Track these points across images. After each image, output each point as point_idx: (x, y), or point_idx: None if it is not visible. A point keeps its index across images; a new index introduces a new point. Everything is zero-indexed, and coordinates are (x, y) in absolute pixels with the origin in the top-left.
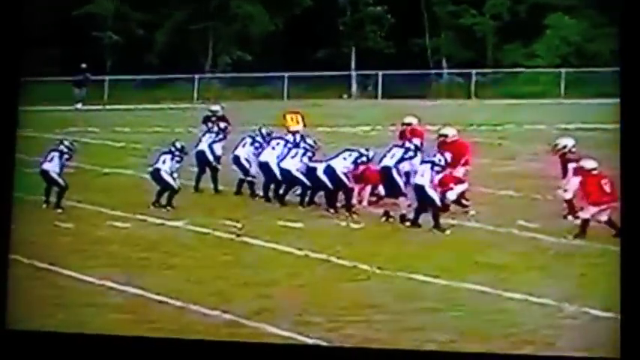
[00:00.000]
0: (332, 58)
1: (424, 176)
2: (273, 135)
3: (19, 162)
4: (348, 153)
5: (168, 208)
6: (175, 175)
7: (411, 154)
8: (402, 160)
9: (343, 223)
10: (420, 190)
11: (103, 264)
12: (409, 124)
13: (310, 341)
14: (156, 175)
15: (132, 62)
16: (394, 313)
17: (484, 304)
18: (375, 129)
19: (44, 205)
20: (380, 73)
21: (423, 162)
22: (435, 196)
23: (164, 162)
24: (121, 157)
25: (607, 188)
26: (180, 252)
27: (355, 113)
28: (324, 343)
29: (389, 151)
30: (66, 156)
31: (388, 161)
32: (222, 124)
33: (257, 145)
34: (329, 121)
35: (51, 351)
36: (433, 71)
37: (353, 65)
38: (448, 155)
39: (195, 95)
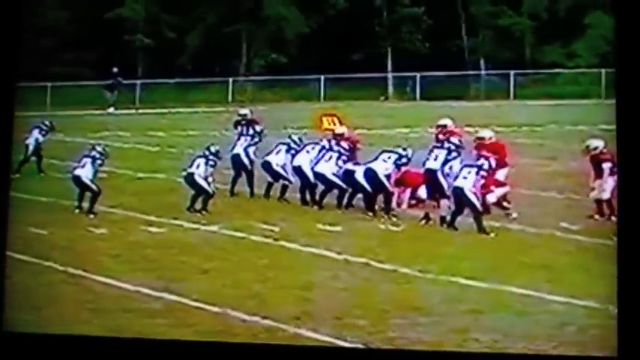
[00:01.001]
0: (368, 59)
1: (467, 179)
2: (306, 140)
3: (52, 167)
4: (387, 155)
5: (203, 212)
6: (210, 179)
7: (454, 154)
8: (446, 161)
9: (382, 226)
10: (459, 192)
11: (138, 269)
12: (444, 126)
13: (351, 345)
14: (190, 179)
15: (164, 65)
16: (436, 315)
17: (528, 305)
18: (413, 130)
19: (76, 211)
20: (417, 74)
21: (466, 165)
22: (474, 199)
23: (198, 166)
24: (155, 160)
25: None
26: (216, 256)
27: (393, 115)
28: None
29: (430, 153)
30: (98, 161)
31: (432, 164)
32: (257, 127)
33: (293, 152)
34: (366, 123)
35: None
36: (471, 72)
37: (390, 67)
38: (493, 160)
39: (230, 98)
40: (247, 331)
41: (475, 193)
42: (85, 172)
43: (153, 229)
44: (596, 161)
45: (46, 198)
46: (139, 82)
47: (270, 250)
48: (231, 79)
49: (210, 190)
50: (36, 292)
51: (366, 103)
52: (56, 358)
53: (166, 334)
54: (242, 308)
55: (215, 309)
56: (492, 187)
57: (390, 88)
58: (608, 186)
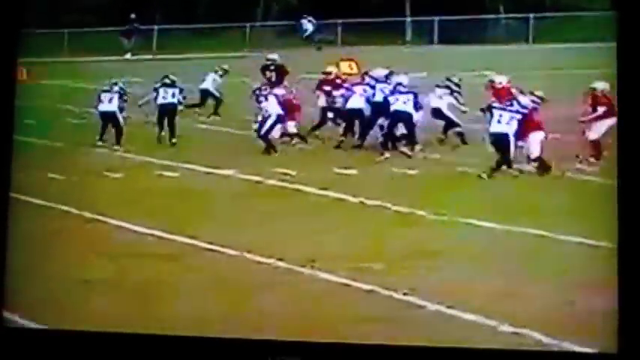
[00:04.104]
0: (386, 3)
1: (510, 125)
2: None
3: (69, 113)
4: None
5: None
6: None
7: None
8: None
9: (397, 170)
10: (505, 139)
11: (152, 213)
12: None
13: (367, 287)
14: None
15: (181, 11)
16: (451, 258)
17: (538, 248)
18: (430, 75)
19: (99, 143)
20: (436, 18)
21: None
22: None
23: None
24: None
25: None
26: (231, 201)
27: (411, 59)
28: (382, 290)
29: (492, 116)
30: (125, 97)
31: (504, 127)
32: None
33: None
34: (383, 68)
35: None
36: (490, 16)
37: (408, 11)
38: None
39: (248, 44)
40: (263, 274)
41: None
42: (114, 107)
43: (167, 174)
44: (595, 103)
45: (60, 143)
46: (156, 27)
47: (285, 195)
48: (248, 25)
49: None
50: (51, 237)
51: (384, 48)
52: (56, 354)
53: (180, 278)
54: (257, 251)
55: (230, 251)
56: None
57: (408, 33)
58: (595, 127)
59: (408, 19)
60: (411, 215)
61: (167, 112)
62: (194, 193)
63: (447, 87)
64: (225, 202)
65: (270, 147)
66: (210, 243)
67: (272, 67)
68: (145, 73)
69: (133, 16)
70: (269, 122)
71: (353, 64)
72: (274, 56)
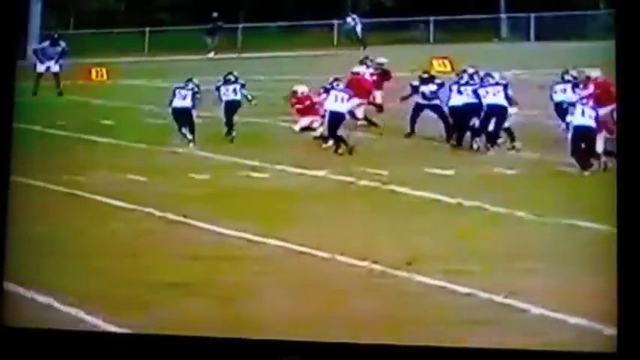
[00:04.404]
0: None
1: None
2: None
3: (150, 113)
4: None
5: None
6: None
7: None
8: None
9: (496, 169)
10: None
11: (240, 215)
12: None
13: (464, 290)
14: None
15: (266, 9)
16: (549, 261)
17: None
18: (526, 72)
19: (176, 141)
20: (532, 15)
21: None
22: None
23: None
24: (258, 106)
25: None
26: (322, 202)
27: (506, 57)
28: (480, 293)
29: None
30: (198, 95)
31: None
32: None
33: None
34: (478, 66)
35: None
36: (588, 12)
37: (502, 7)
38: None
39: (335, 41)
40: (357, 277)
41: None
42: (188, 104)
43: (255, 175)
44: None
45: (146, 145)
46: (240, 25)
47: (379, 195)
48: (336, 22)
49: None
50: (135, 239)
51: (478, 46)
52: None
53: (270, 281)
54: (351, 254)
55: (322, 254)
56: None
57: (504, 29)
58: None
59: (503, 15)
60: (509, 216)
61: (232, 108)
62: (284, 194)
63: (568, 81)
64: (316, 203)
65: (340, 142)
66: (301, 245)
67: (379, 71)
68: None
69: (215, 14)
70: (326, 121)
71: (447, 62)
72: (383, 60)
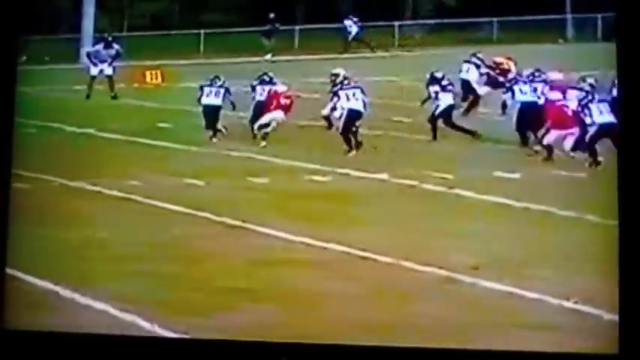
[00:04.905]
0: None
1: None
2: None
3: (200, 116)
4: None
5: None
6: None
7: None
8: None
9: (564, 172)
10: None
11: (301, 219)
12: None
13: (532, 295)
14: None
15: (323, 10)
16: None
17: None
18: (591, 75)
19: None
20: (599, 15)
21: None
22: None
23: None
24: (315, 107)
25: None
26: (384, 205)
27: (572, 58)
28: (549, 298)
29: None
30: (228, 94)
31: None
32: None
33: None
34: (543, 67)
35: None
36: None
37: (568, 7)
38: None
39: (396, 42)
40: (422, 282)
41: None
42: (219, 101)
43: (317, 178)
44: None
45: (198, 148)
46: (297, 27)
47: (444, 198)
48: (397, 23)
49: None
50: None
51: (544, 47)
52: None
53: (331, 286)
54: (415, 259)
55: (386, 259)
56: None
57: (570, 30)
58: None
59: (569, 15)
60: (578, 220)
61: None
62: (345, 197)
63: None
64: (379, 208)
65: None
66: (364, 250)
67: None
68: (287, 73)
69: (272, 15)
70: (343, 118)
71: (510, 63)
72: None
